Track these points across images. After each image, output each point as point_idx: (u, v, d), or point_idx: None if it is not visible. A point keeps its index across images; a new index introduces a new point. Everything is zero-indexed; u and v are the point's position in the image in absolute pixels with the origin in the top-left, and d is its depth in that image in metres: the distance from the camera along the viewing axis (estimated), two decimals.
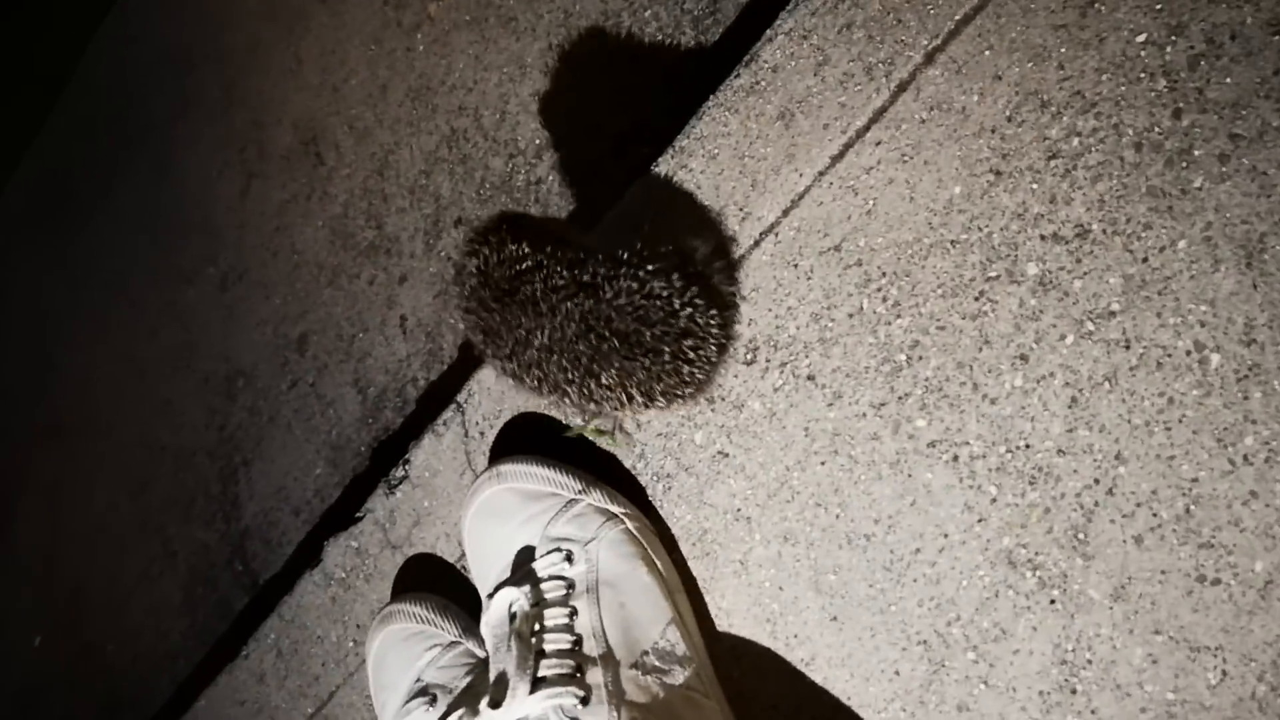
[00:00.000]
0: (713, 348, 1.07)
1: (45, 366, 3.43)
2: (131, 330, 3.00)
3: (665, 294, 1.01)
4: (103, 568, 2.81)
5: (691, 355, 1.04)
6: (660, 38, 1.78)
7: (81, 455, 3.06)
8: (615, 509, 1.18)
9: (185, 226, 2.90)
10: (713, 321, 1.05)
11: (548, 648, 1.04)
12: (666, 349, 1.02)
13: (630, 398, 1.05)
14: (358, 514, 1.62)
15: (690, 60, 1.75)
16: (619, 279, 1.01)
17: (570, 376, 1.04)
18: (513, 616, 1.07)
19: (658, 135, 1.69)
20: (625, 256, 1.03)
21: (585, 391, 1.04)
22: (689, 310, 1.03)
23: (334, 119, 2.49)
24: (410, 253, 2.16)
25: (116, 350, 3.03)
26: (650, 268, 1.02)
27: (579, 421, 1.28)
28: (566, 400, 1.07)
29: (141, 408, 2.85)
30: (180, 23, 3.22)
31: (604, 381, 1.03)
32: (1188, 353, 0.88)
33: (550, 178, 1.91)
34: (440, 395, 1.97)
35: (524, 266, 1.05)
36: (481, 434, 1.45)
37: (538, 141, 1.93)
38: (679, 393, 1.07)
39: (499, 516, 1.21)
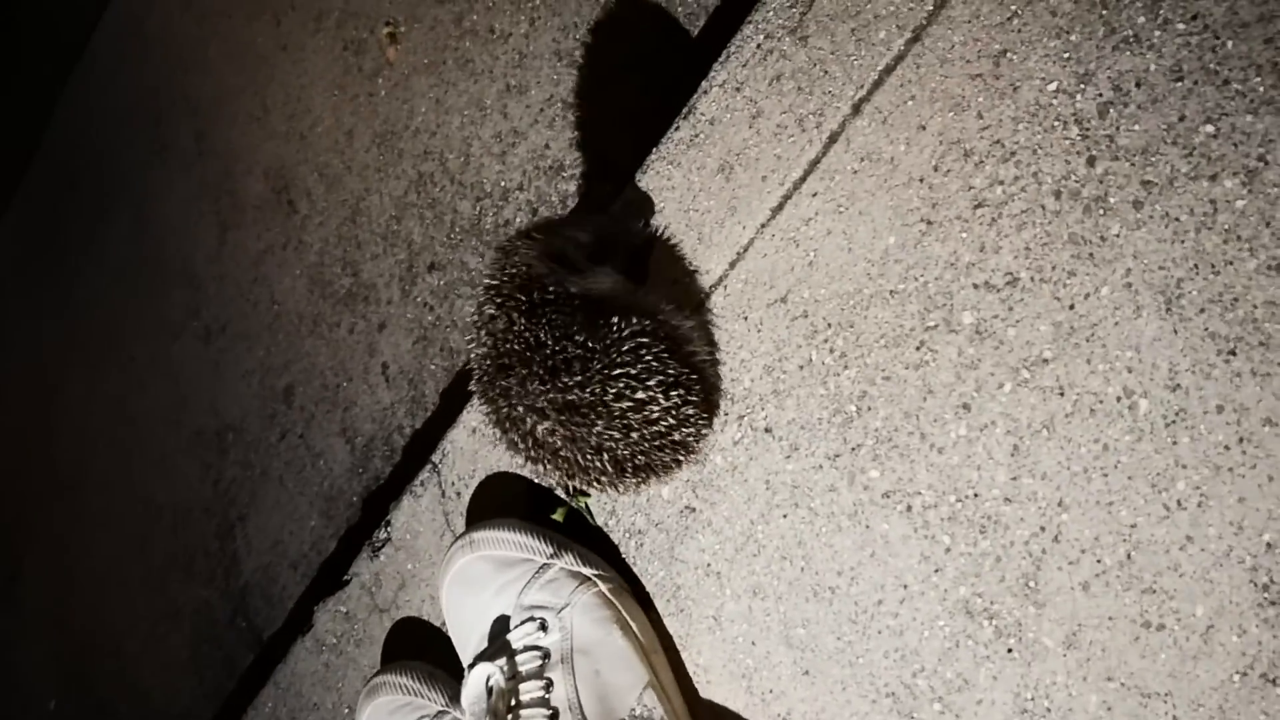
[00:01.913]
0: (698, 435, 1.11)
1: (42, 418, 3.47)
2: (123, 383, 3.02)
3: (655, 415, 1.04)
4: (110, 627, 2.84)
5: (681, 456, 1.09)
6: (613, 79, 1.79)
7: (83, 512, 3.09)
8: (588, 571, 1.20)
9: (167, 278, 2.92)
10: (702, 422, 1.10)
11: None
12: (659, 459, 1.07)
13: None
14: (345, 577, 1.65)
15: (646, 97, 1.76)
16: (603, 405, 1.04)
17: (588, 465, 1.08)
18: (490, 691, 1.10)
19: (619, 172, 1.71)
20: (606, 364, 1.05)
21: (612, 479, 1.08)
22: (677, 424, 1.06)
23: (303, 167, 2.50)
24: (387, 299, 2.17)
25: (110, 404, 3.06)
26: (633, 371, 1.04)
27: (562, 493, 1.31)
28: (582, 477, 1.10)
29: (137, 464, 2.88)
30: (147, 70, 3.24)
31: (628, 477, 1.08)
32: (1118, 399, 0.89)
33: (518, 219, 1.92)
34: (426, 442, 1.99)
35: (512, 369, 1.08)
36: (458, 494, 1.47)
37: (503, 184, 1.95)
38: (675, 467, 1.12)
39: (474, 585, 1.23)
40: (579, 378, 1.01)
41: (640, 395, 1.02)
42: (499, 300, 1.07)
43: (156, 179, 3.10)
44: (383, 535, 1.59)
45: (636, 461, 1.06)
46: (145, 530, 2.82)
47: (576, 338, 1.03)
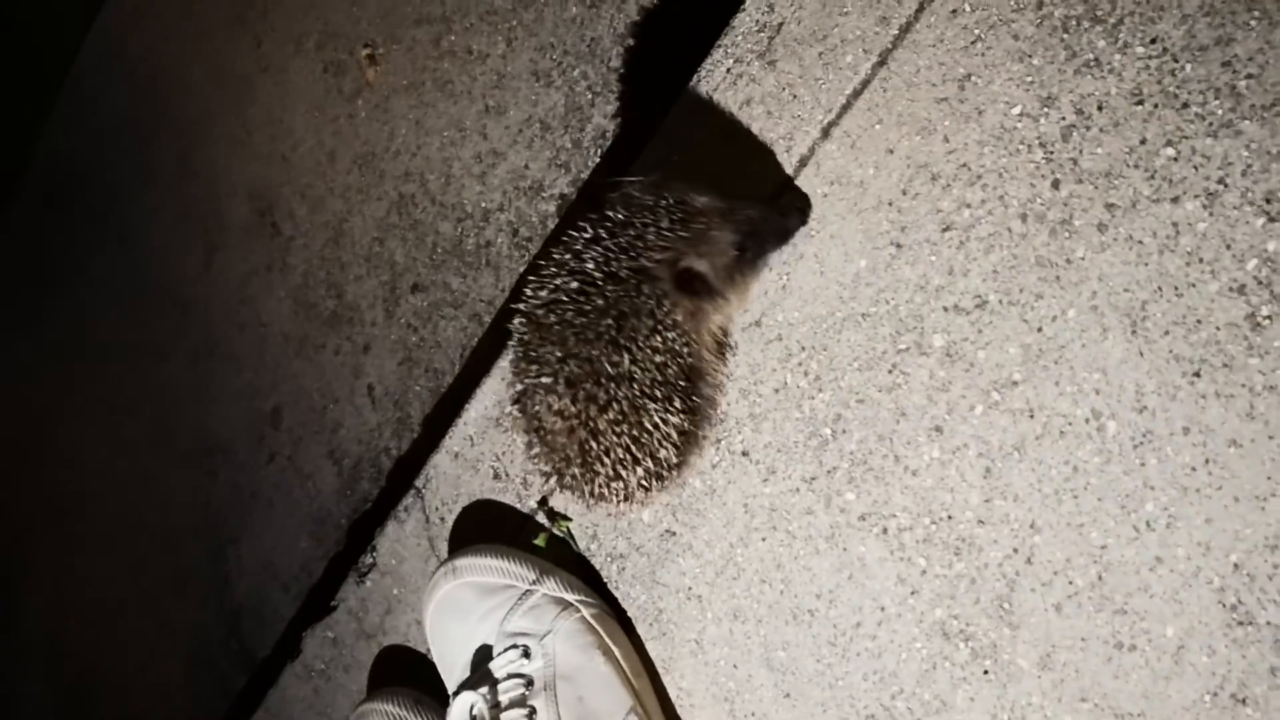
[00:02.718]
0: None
1: (34, 440, 3.46)
2: (114, 406, 3.03)
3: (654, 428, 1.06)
4: (106, 651, 2.84)
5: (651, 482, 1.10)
6: (590, 95, 1.80)
7: (76, 537, 3.09)
8: (570, 597, 1.20)
9: (155, 300, 2.92)
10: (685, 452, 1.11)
11: None
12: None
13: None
14: (332, 603, 1.65)
15: (621, 113, 1.77)
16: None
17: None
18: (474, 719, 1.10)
19: (594, 191, 1.72)
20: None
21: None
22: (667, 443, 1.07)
23: (287, 188, 2.51)
24: (371, 321, 2.18)
25: (101, 427, 3.06)
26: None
27: (544, 519, 1.31)
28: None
29: (128, 486, 2.88)
30: (130, 94, 3.24)
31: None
32: (1086, 420, 0.90)
33: (499, 240, 1.93)
34: (411, 464, 1.99)
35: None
36: (442, 519, 1.47)
37: (484, 205, 1.95)
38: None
39: (457, 613, 1.23)
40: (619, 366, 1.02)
41: (653, 407, 1.03)
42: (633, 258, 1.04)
43: (142, 201, 3.10)
44: (369, 560, 1.59)
45: (617, 467, 1.06)
46: (138, 552, 2.82)
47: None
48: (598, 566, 1.26)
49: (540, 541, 1.29)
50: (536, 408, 1.10)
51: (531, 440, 1.12)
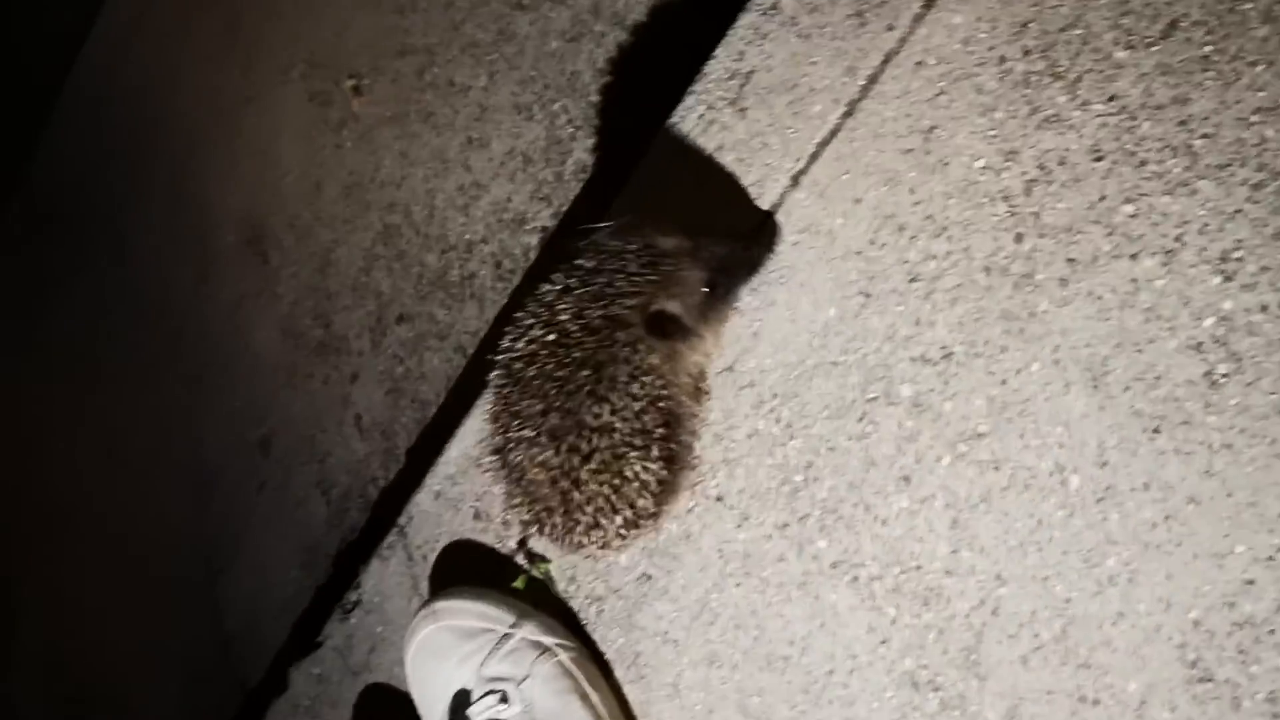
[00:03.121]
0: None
1: (30, 460, 3.47)
2: (109, 428, 3.03)
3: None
4: (102, 675, 2.85)
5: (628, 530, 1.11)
6: (571, 129, 1.81)
7: (72, 558, 3.10)
8: (548, 640, 1.21)
9: (146, 326, 2.93)
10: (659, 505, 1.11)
11: None
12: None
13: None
14: (318, 639, 1.66)
15: (601, 147, 1.78)
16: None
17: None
18: None
19: (578, 223, 1.73)
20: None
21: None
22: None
23: (274, 218, 2.52)
24: (359, 350, 2.19)
25: (97, 449, 3.07)
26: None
27: (523, 560, 1.32)
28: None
29: (122, 509, 2.89)
30: (120, 120, 3.25)
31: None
32: (1050, 474, 0.91)
33: (483, 272, 1.94)
34: (398, 497, 1.99)
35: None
36: (425, 557, 1.48)
37: (467, 236, 1.96)
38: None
39: (436, 657, 1.24)
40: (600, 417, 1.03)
41: (634, 456, 1.04)
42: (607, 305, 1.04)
43: (132, 227, 3.11)
44: (353, 598, 1.60)
45: (594, 513, 1.07)
46: (133, 576, 2.83)
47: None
48: (576, 609, 1.27)
49: (519, 584, 1.30)
50: (518, 459, 1.11)
51: (512, 490, 1.13)
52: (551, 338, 1.06)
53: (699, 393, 1.17)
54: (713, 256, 1.07)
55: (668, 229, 1.07)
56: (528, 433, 1.08)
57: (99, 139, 3.39)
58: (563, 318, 1.05)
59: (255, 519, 2.41)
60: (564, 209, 1.80)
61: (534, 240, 1.84)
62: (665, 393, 1.08)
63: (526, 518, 1.13)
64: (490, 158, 1.94)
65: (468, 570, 1.40)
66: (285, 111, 2.52)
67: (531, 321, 1.08)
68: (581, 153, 1.78)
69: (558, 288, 1.05)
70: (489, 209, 1.92)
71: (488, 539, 1.37)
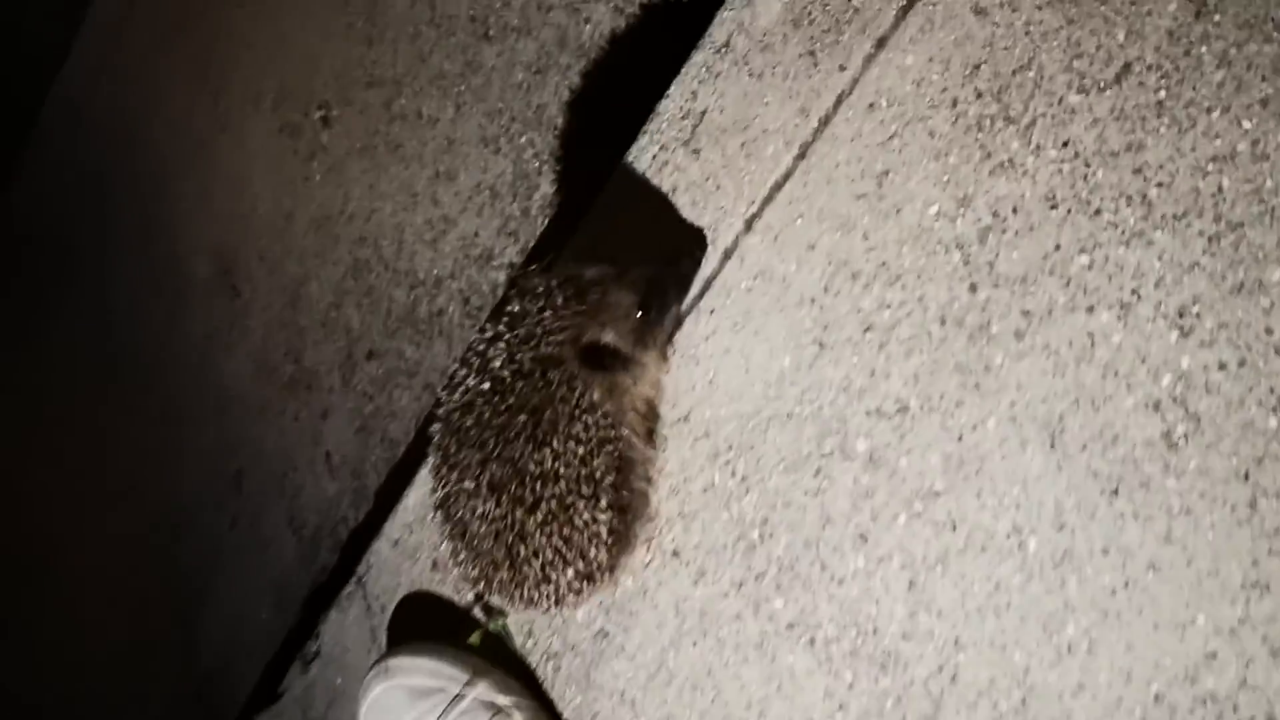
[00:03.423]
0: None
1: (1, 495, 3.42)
2: (81, 464, 2.99)
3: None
4: (80, 712, 2.80)
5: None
6: (537, 163, 1.78)
7: (46, 595, 3.05)
8: (503, 700, 1.17)
9: (118, 358, 2.90)
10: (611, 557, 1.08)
11: None
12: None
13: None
14: (280, 689, 1.62)
15: (566, 182, 1.75)
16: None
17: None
18: None
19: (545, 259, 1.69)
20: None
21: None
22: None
23: (245, 250, 2.49)
24: (329, 387, 2.15)
25: (69, 484, 3.03)
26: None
27: (480, 614, 1.29)
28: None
29: (97, 545, 2.85)
30: (95, 149, 3.23)
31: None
32: (1007, 536, 0.87)
33: (451, 308, 1.91)
34: (367, 537, 1.96)
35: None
36: (383, 607, 1.44)
37: (435, 272, 1.93)
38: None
39: (389, 716, 1.20)
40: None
41: (582, 505, 1.01)
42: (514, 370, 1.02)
43: (105, 258, 3.08)
44: (314, 648, 1.56)
45: (546, 569, 1.04)
46: (108, 615, 2.79)
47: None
48: (533, 665, 1.23)
49: (475, 639, 1.26)
50: (460, 513, 1.08)
51: (457, 546, 1.10)
52: (486, 386, 1.03)
53: (650, 434, 1.13)
54: (640, 277, 1.04)
55: (593, 261, 1.04)
56: (468, 485, 1.05)
57: (76, 163, 3.37)
58: (495, 364, 1.02)
59: (227, 556, 2.37)
60: (530, 244, 1.77)
61: (501, 276, 1.81)
62: (612, 434, 1.04)
63: (473, 574, 1.09)
64: (458, 191, 1.91)
65: (424, 622, 1.36)
66: (256, 142, 2.49)
67: (465, 372, 1.05)
68: (548, 187, 1.75)
69: (488, 335, 1.02)
70: (457, 244, 1.89)
71: (445, 590, 1.33)
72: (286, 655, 1.98)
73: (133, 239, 2.92)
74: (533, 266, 1.04)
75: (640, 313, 1.03)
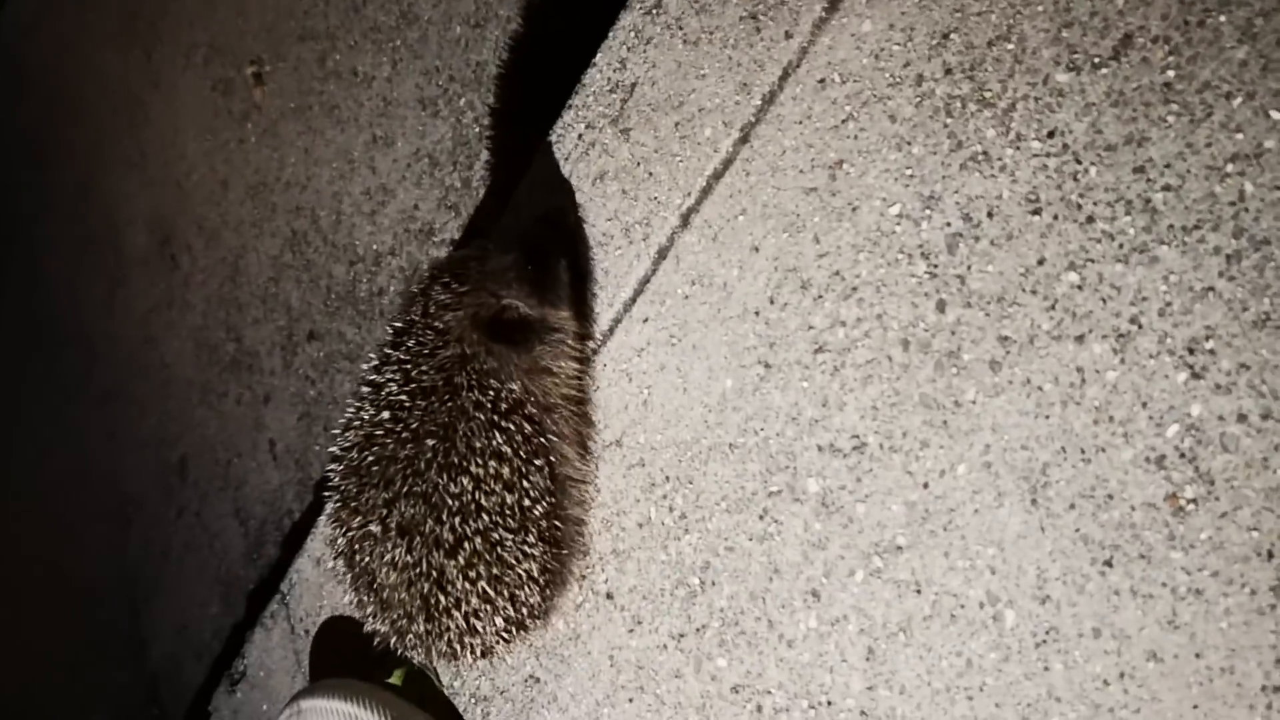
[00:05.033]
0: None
1: None
2: (26, 451, 2.87)
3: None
4: (30, 713, 2.70)
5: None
6: (478, 128, 1.62)
7: None
8: None
9: (60, 338, 2.76)
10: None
11: None
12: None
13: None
14: (210, 707, 1.51)
15: (507, 149, 1.59)
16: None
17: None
18: None
19: (486, 234, 1.53)
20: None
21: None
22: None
23: (182, 218, 2.34)
24: (270, 369, 2.01)
25: (14, 473, 2.90)
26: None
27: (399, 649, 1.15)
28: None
29: (46, 538, 2.73)
30: (29, 113, 3.06)
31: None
32: (981, 605, 0.73)
33: (390, 287, 1.76)
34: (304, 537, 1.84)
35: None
36: (307, 631, 1.32)
37: (375, 247, 1.78)
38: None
39: None
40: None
41: (510, 539, 0.89)
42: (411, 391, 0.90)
43: (44, 230, 2.93)
44: (240, 668, 1.44)
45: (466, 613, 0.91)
46: (58, 610, 2.69)
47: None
48: (461, 708, 1.10)
49: (397, 678, 1.13)
50: (367, 560, 0.94)
51: (364, 599, 0.96)
52: (386, 415, 0.89)
53: (583, 442, 1.00)
54: (511, 235, 0.95)
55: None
56: (374, 529, 0.91)
57: (13, 128, 3.19)
58: (390, 389, 0.90)
59: (175, 548, 2.25)
60: (470, 219, 1.61)
61: (443, 253, 1.65)
62: (541, 440, 0.91)
63: (383, 629, 0.96)
64: (395, 159, 1.75)
65: (348, 653, 1.23)
66: (189, 101, 2.32)
67: (359, 406, 0.90)
68: (489, 155, 1.59)
69: (375, 363, 0.92)
70: (396, 217, 1.73)
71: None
72: (232, 652, 1.87)
73: (71, 209, 2.77)
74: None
75: (530, 267, 0.91)
